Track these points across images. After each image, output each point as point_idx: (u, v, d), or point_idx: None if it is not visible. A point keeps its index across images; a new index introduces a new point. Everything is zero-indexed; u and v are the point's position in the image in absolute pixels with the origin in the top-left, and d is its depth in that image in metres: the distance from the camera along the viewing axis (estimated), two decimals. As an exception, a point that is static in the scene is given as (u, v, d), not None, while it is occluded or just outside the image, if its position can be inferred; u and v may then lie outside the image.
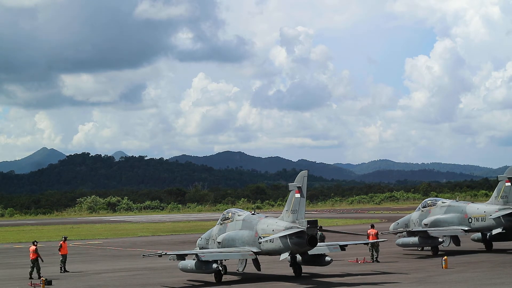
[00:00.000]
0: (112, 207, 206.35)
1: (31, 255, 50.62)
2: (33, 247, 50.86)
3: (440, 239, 57.95)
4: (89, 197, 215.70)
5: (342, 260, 53.92)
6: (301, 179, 43.52)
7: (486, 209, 59.22)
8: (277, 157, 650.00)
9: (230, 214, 48.40)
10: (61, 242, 54.10)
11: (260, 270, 45.94)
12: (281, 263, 48.09)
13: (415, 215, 63.18)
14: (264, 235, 44.13)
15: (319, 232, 54.74)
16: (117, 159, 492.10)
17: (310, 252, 44.26)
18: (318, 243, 44.37)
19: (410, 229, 60.45)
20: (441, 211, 61.23)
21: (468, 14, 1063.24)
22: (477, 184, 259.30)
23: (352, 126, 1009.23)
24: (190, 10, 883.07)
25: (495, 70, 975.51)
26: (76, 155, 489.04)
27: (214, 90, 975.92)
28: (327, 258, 45.33)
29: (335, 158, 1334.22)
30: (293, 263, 45.54)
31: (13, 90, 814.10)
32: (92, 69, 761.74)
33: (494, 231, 58.57)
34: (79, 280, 48.38)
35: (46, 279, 45.16)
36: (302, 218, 42.84)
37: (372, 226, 57.59)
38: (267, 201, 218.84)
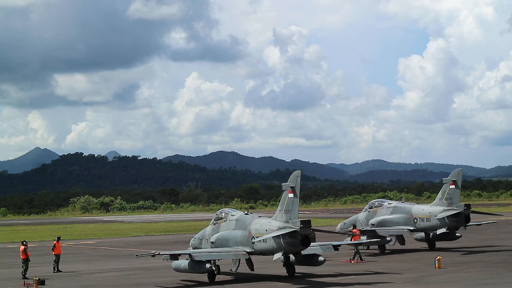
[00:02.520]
0: (105, 207, 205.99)
1: (21, 255, 50.76)
2: (22, 247, 50.98)
3: (387, 238, 60.13)
4: (82, 197, 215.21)
5: (335, 260, 54.01)
6: (294, 179, 43.55)
7: (431, 210, 62.24)
8: (271, 157, 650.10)
9: (223, 214, 48.44)
10: (54, 242, 54.11)
11: (253, 270, 46.00)
12: (275, 263, 48.13)
13: (361, 215, 65.51)
14: (257, 235, 44.17)
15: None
16: (110, 159, 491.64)
17: (303, 252, 44.30)
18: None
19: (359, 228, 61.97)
20: (387, 211, 63.76)
21: (461, 14, 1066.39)
22: (470, 184, 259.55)
23: (345, 126, 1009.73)
24: (183, 10, 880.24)
25: (489, 70, 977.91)
26: (69, 155, 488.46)
27: (208, 90, 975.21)
28: (320, 258, 45.41)
29: (328, 158, 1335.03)
30: (286, 263, 45.60)
31: (6, 89, 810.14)
32: (85, 68, 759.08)
33: (439, 231, 61.77)
34: (72, 280, 48.36)
35: (39, 279, 45.13)
36: (295, 218, 42.87)
37: (354, 226, 58.72)
38: (260, 201, 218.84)
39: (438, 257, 47.87)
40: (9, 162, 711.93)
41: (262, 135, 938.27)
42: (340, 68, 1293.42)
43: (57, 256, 53.58)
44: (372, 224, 62.94)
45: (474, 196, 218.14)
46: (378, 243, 59.67)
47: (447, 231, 61.41)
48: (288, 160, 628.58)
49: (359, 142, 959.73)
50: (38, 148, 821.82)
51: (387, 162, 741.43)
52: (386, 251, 60.87)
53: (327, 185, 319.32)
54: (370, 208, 65.21)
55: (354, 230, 56.53)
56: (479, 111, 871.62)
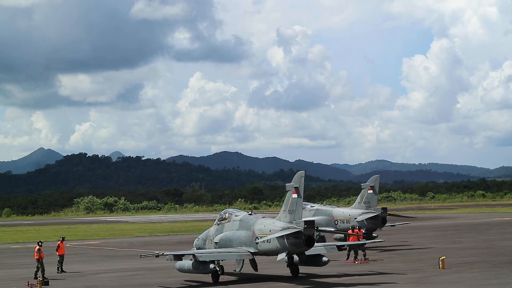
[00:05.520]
0: (109, 208, 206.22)
1: (35, 255, 50.67)
2: (36, 247, 50.96)
3: None
4: (86, 197, 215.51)
5: (339, 260, 53.96)
6: (298, 179, 43.47)
7: (351, 212, 67.37)
8: (274, 158, 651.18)
9: (227, 214, 48.40)
10: (58, 243, 54.13)
11: (257, 271, 45.99)
12: (278, 264, 48.10)
13: None
14: (261, 235, 44.11)
15: (318, 233, 55.67)
16: (114, 159, 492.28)
17: (307, 253, 44.25)
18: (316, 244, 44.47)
19: None
20: (310, 214, 67.25)
21: (466, 15, 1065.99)
22: (474, 184, 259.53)
23: (349, 126, 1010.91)
24: (187, 10, 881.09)
25: (493, 70, 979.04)
26: (73, 155, 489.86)
27: (211, 90, 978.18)
28: (324, 259, 45.44)
29: (332, 158, 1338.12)
30: (290, 263, 45.57)
31: (10, 90, 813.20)
32: (89, 69, 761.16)
33: None
34: (76, 281, 48.37)
35: (43, 280, 45.16)
36: (299, 218, 42.83)
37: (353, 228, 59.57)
38: (264, 201, 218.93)
39: (442, 258, 47.80)
40: (13, 162, 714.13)
41: (266, 136, 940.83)
42: (344, 68, 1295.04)
43: (61, 257, 53.60)
44: None
45: (478, 197, 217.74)
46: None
47: (365, 232, 64.53)
48: (292, 160, 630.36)
49: (363, 142, 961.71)
50: (42, 148, 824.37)
51: (391, 162, 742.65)
52: None
53: (331, 185, 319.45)
54: None
55: (359, 231, 56.62)
56: (483, 111, 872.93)
